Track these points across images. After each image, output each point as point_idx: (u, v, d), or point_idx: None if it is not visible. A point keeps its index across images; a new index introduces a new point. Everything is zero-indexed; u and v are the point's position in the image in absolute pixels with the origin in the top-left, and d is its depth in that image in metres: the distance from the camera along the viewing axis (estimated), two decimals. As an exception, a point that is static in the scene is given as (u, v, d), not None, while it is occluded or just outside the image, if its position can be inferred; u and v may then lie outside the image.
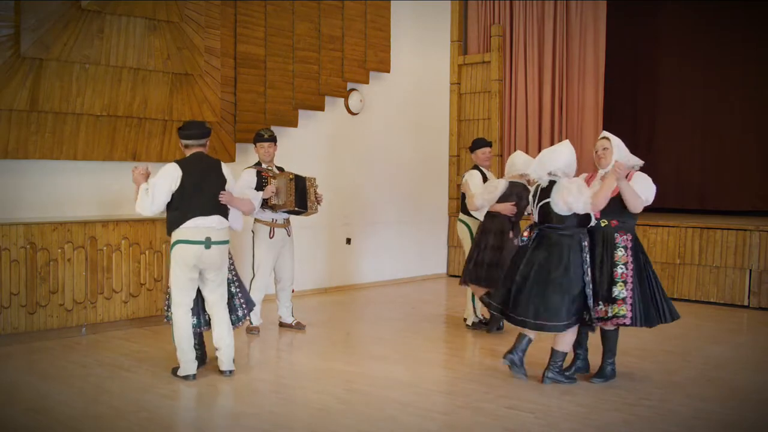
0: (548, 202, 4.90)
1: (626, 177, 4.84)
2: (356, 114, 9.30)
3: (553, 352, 5.00)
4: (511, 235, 6.32)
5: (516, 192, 6.26)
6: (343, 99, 9.12)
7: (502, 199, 6.24)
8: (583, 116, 9.49)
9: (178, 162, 5.05)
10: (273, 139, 6.48)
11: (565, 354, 5.02)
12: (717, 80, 10.63)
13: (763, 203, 10.15)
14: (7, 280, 5.93)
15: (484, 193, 6.24)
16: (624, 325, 4.93)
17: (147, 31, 6.95)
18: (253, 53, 7.98)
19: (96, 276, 6.41)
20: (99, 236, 6.43)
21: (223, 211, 5.09)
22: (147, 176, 5.05)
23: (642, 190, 4.92)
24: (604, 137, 5.10)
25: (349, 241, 9.21)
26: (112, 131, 6.87)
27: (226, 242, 5.09)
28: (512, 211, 6.26)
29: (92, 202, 6.93)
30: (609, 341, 5.11)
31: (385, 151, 9.70)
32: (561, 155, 4.93)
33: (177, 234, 4.96)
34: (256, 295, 6.36)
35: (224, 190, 5.09)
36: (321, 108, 8.72)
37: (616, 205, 4.88)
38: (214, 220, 5.01)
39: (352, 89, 9.20)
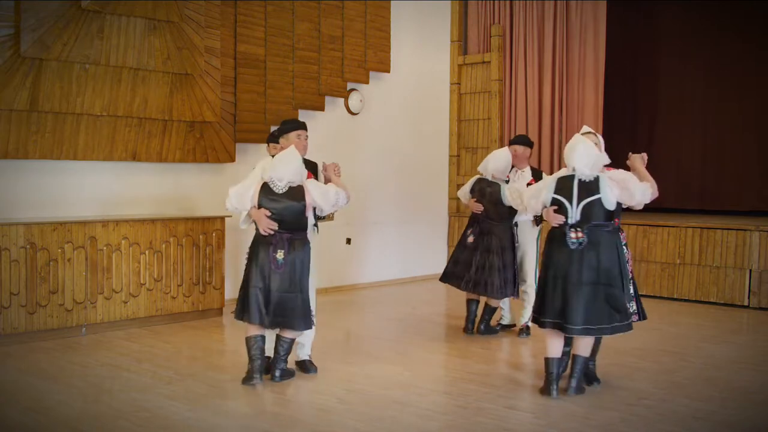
0: (598, 198, 4.58)
1: None
2: (356, 114, 9.30)
3: (576, 359, 4.69)
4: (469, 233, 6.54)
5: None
6: (343, 99, 9.12)
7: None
8: (583, 116, 9.48)
9: None
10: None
11: (587, 359, 4.76)
12: (717, 80, 10.63)
13: (763, 203, 10.15)
14: (7, 280, 5.93)
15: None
16: (637, 320, 4.93)
17: (147, 31, 6.95)
18: (253, 53, 7.98)
19: (96, 276, 6.41)
20: (99, 236, 6.43)
21: None
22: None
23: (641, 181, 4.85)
24: (590, 132, 4.91)
25: (349, 241, 9.20)
26: (112, 131, 6.88)
27: None
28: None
29: (92, 202, 6.94)
30: (598, 341, 5.00)
31: (385, 151, 9.70)
32: (593, 148, 4.70)
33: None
34: None
35: None
36: (321, 108, 8.72)
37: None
38: None
39: (352, 89, 9.20)
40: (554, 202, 4.74)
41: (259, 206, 4.87)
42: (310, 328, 5.03)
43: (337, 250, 9.10)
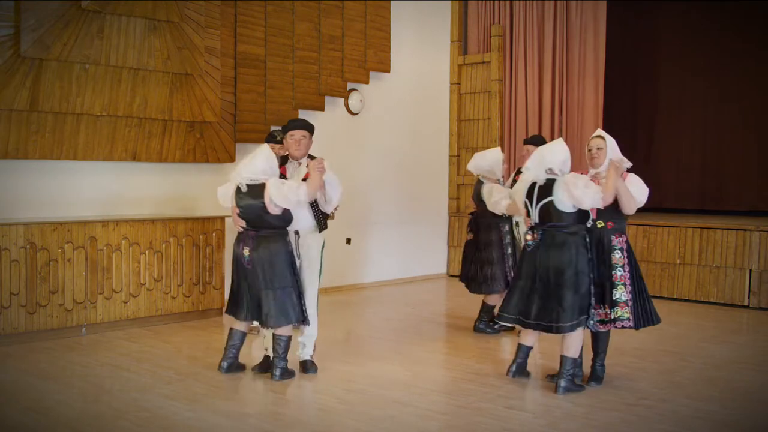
0: (551, 201, 4.78)
1: (621, 177, 4.84)
2: (356, 114, 9.30)
3: (564, 359, 4.81)
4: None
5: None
6: (343, 99, 9.12)
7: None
8: (583, 116, 9.49)
9: None
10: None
11: (575, 360, 4.85)
12: (717, 80, 10.63)
13: (763, 203, 10.15)
14: (7, 280, 5.93)
15: None
16: (625, 327, 4.87)
17: (147, 31, 6.95)
18: (253, 53, 7.99)
19: (96, 276, 6.41)
20: (99, 236, 6.43)
21: None
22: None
23: (636, 192, 4.88)
24: (598, 136, 4.97)
25: (349, 241, 9.20)
26: (112, 131, 6.88)
27: None
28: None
29: (92, 202, 6.94)
30: (602, 343, 5.04)
31: (385, 151, 9.70)
32: (559, 152, 4.85)
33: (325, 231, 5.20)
34: None
35: None
36: (321, 108, 8.72)
37: (611, 206, 4.81)
38: None
39: (352, 89, 9.20)
40: (525, 204, 5.00)
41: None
42: (282, 325, 4.97)
43: (337, 250, 9.10)
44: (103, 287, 6.47)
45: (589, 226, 4.88)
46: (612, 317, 4.86)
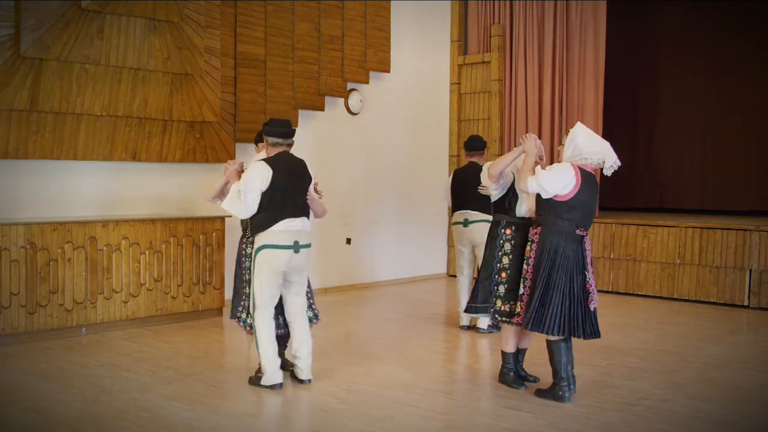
0: None
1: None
2: (356, 114, 9.30)
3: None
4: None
5: None
6: (343, 99, 9.12)
7: None
8: (583, 116, 9.48)
9: (266, 161, 4.75)
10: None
11: (506, 353, 4.91)
12: (716, 80, 10.64)
13: (763, 203, 10.15)
14: (7, 280, 5.93)
15: None
16: (519, 324, 4.72)
17: (147, 31, 6.95)
18: (253, 53, 7.99)
19: (96, 276, 6.41)
20: (99, 236, 6.43)
21: (308, 213, 4.92)
22: (241, 173, 4.81)
23: (542, 174, 4.50)
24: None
25: (349, 241, 9.20)
26: (112, 131, 6.88)
27: (310, 245, 4.91)
28: None
29: (92, 202, 6.94)
30: (549, 353, 4.66)
31: (385, 151, 9.70)
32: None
33: (264, 238, 4.72)
34: None
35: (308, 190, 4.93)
36: (321, 108, 8.72)
37: (540, 195, 4.61)
38: (302, 222, 4.82)
39: (352, 89, 9.20)
40: None
41: None
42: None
43: (337, 250, 9.10)
44: (103, 287, 6.47)
45: (524, 216, 4.91)
46: (515, 311, 4.75)
